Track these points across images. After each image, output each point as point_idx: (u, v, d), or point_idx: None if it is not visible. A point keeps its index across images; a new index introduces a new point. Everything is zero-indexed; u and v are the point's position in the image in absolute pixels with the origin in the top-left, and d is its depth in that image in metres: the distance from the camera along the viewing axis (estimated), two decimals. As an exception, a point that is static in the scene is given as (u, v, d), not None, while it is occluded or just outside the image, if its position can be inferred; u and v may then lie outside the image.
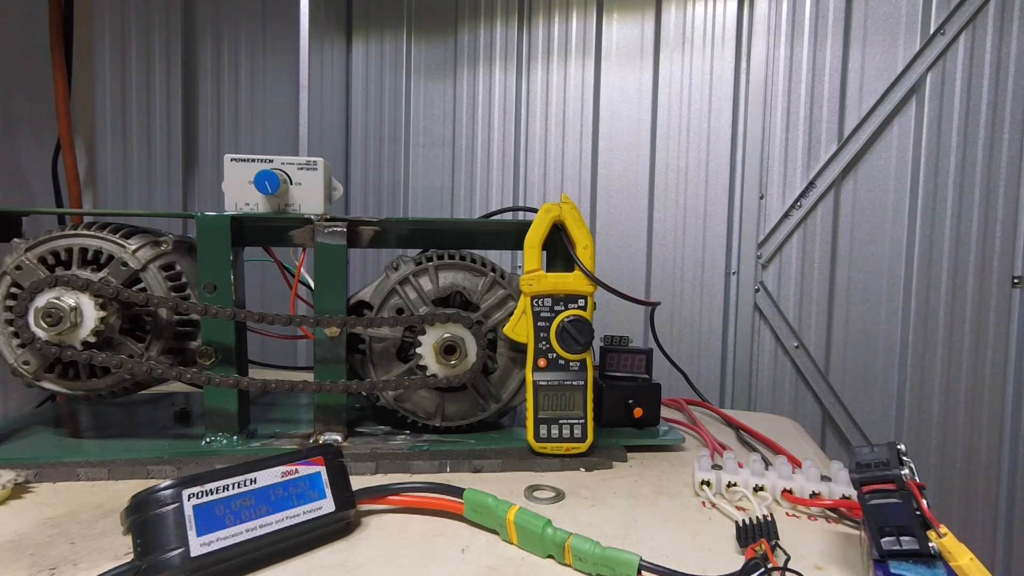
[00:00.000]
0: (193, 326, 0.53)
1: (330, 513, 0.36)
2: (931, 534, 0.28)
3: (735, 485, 0.46)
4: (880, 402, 0.92)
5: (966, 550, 0.27)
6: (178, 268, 0.52)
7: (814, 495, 0.44)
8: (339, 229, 0.52)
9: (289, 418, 0.60)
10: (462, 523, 0.41)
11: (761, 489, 0.45)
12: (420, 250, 0.59)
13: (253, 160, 0.52)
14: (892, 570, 0.31)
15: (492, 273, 0.55)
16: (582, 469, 0.52)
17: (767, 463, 0.48)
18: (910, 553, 0.31)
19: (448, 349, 0.51)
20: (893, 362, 0.91)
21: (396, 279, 0.53)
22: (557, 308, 0.52)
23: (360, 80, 1.10)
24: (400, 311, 0.53)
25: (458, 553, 0.37)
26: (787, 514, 0.44)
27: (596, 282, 0.52)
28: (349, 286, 0.54)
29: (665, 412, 0.67)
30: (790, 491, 0.45)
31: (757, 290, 0.92)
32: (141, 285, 0.50)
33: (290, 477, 0.36)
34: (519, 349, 0.54)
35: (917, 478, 0.32)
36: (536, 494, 0.46)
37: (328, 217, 0.52)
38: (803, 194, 0.91)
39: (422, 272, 0.54)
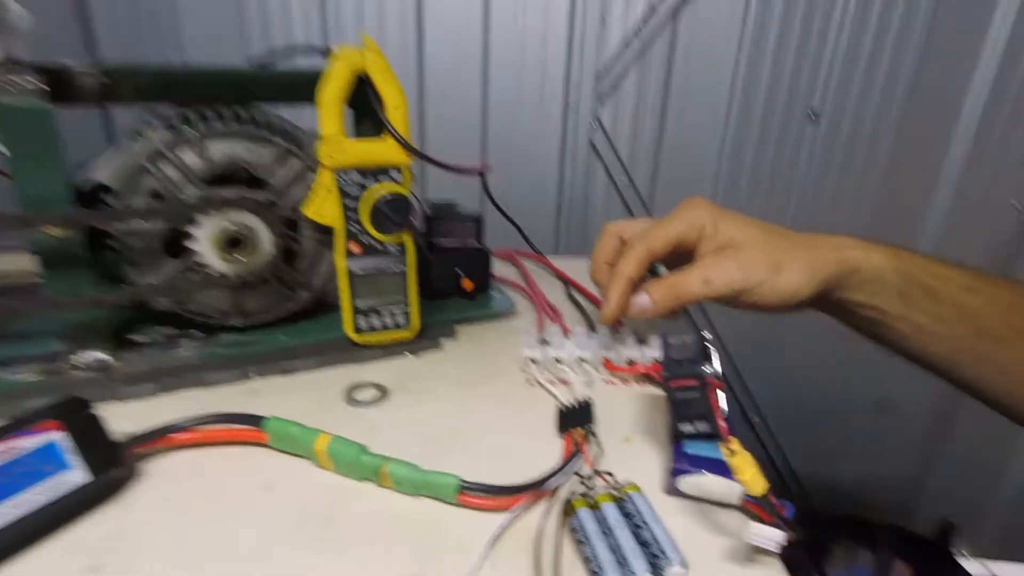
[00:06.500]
0: None
1: (85, 484, 0.30)
2: (722, 448, 0.29)
3: (560, 361, 0.46)
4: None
5: (751, 465, 0.28)
6: None
7: (631, 363, 0.47)
8: (29, 86, 0.35)
9: (28, 332, 0.44)
10: (270, 451, 0.36)
11: (584, 361, 0.47)
12: (177, 107, 0.44)
13: None
14: (685, 449, 0.34)
15: (283, 141, 0.43)
16: (407, 353, 0.49)
17: (592, 329, 0.49)
18: (703, 435, 0.34)
19: (232, 242, 0.42)
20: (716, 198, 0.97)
21: (144, 153, 0.40)
22: (367, 183, 0.43)
23: None
24: (158, 195, 0.41)
25: (263, 491, 0.33)
26: (605, 381, 0.46)
27: (411, 151, 0.43)
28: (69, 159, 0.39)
29: (498, 266, 0.65)
30: (610, 360, 0.47)
31: (594, 128, 0.89)
32: None
33: (11, 457, 0.27)
34: (328, 231, 0.46)
35: (720, 372, 0.33)
36: (356, 395, 0.43)
37: (5, 63, 0.35)
38: (645, 21, 0.84)
39: (183, 143, 0.41)
